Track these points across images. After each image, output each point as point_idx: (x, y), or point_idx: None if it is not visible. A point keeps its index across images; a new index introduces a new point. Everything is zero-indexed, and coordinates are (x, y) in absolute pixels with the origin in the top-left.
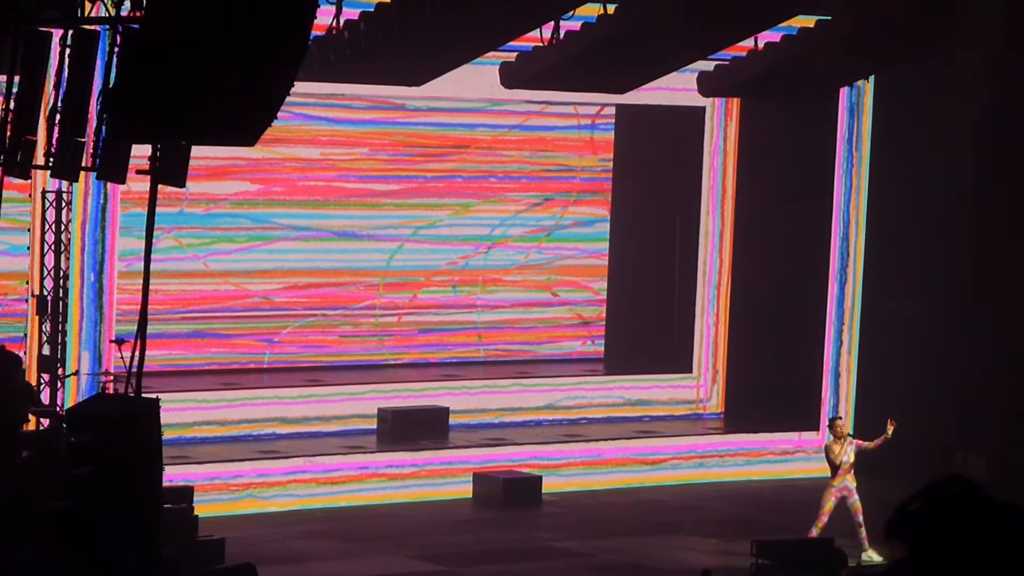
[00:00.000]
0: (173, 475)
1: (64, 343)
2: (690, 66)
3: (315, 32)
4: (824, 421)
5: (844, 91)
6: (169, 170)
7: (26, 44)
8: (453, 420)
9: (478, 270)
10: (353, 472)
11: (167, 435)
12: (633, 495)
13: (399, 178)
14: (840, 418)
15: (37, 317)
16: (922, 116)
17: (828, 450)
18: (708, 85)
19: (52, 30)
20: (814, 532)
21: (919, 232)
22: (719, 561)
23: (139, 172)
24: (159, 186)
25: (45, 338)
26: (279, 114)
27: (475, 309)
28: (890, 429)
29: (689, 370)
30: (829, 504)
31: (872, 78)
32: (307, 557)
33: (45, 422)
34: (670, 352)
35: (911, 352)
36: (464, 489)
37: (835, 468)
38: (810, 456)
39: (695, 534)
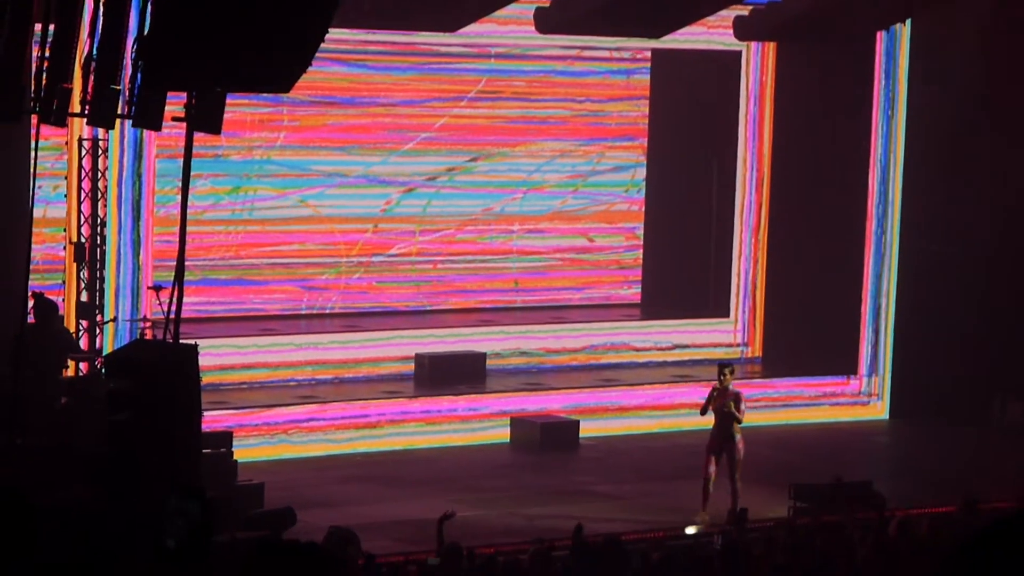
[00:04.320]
0: (212, 420)
1: (102, 290)
2: (726, 10)
3: None
4: (863, 365)
5: (881, 35)
6: (205, 117)
7: None
8: (490, 365)
9: (514, 216)
10: (391, 417)
11: (205, 381)
12: (670, 439)
13: (434, 124)
14: (731, 368)
15: (75, 264)
16: (959, 58)
17: (714, 393)
18: (744, 29)
19: None
20: (710, 491)
21: (958, 174)
22: (756, 503)
23: (175, 119)
24: (195, 133)
25: (83, 285)
26: (314, 61)
27: (511, 255)
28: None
29: (726, 315)
30: (741, 455)
31: (908, 21)
32: (345, 501)
33: (84, 368)
34: (707, 297)
35: (950, 295)
36: (502, 434)
37: (721, 416)
38: (849, 400)
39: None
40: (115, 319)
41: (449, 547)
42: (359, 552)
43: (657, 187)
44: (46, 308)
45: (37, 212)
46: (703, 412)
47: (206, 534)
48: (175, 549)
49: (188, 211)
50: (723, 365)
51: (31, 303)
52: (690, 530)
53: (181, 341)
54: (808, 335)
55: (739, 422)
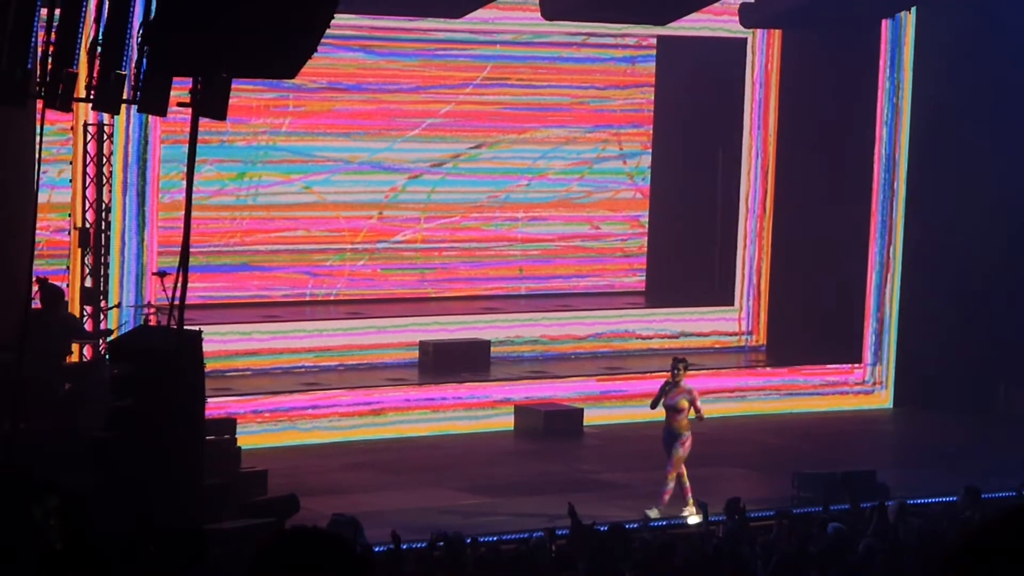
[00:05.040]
0: (216, 407)
1: (106, 275)
2: None
3: None
4: (867, 354)
5: (886, 22)
6: (210, 103)
7: None
8: (495, 353)
9: (519, 203)
10: (395, 404)
11: (209, 367)
12: None
13: (440, 111)
14: (685, 362)
15: (79, 250)
16: (964, 46)
17: (666, 387)
18: (750, 16)
19: None
20: (687, 485)
21: (962, 163)
22: (761, 492)
23: (180, 105)
24: (200, 119)
25: (87, 270)
26: (319, 47)
27: (516, 242)
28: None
29: (731, 303)
30: (684, 453)
31: (914, 9)
32: (349, 488)
33: (88, 352)
34: (712, 285)
35: (954, 284)
36: (506, 421)
37: (671, 411)
38: (853, 388)
39: (736, 466)
40: (119, 305)
41: (452, 536)
42: (361, 540)
43: (662, 175)
44: (52, 294)
45: (42, 197)
46: (653, 406)
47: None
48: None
49: (193, 197)
50: (677, 360)
51: (35, 288)
52: (692, 520)
53: (185, 327)
54: (812, 323)
55: (700, 420)
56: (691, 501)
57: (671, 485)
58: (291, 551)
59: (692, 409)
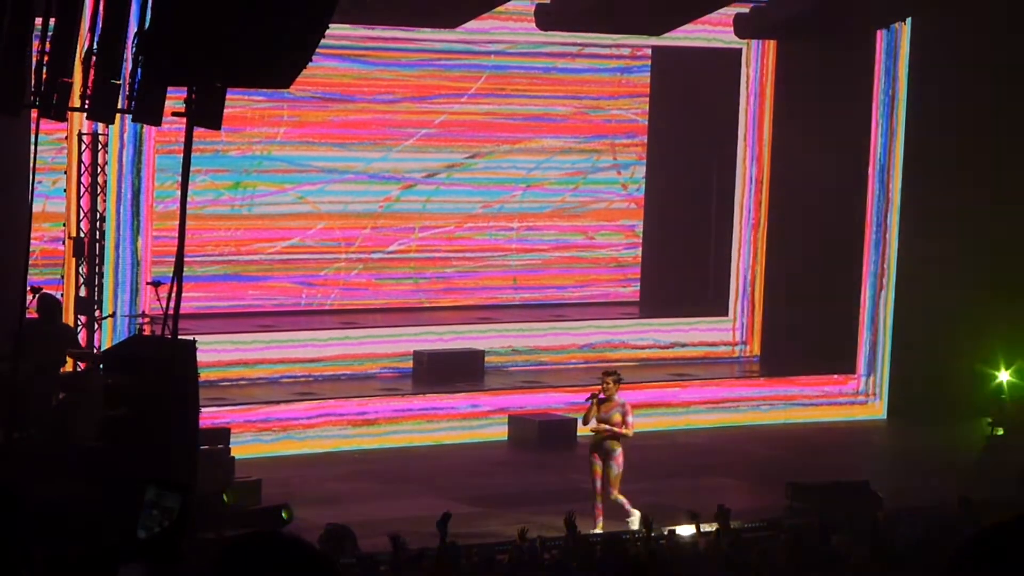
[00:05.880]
0: (210, 417)
1: (101, 285)
2: (727, 7)
3: None
4: (861, 365)
5: (881, 33)
6: (205, 112)
7: None
8: (488, 363)
9: (513, 213)
10: (389, 414)
11: (203, 377)
12: (667, 438)
13: (434, 121)
14: (616, 375)
15: (74, 259)
16: (959, 58)
17: (594, 400)
18: (745, 26)
19: None
20: (600, 505)
21: (957, 175)
22: (754, 503)
23: (175, 114)
24: (195, 128)
25: (82, 280)
26: (314, 57)
27: (510, 252)
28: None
29: (725, 313)
30: (619, 469)
31: (909, 20)
32: (343, 498)
33: (82, 364)
34: (706, 296)
35: (948, 294)
36: (499, 431)
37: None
38: (847, 399)
39: (729, 477)
40: (114, 314)
41: (447, 546)
42: (355, 550)
43: (657, 185)
44: (51, 305)
45: (36, 207)
46: (585, 422)
47: (179, 531)
48: (144, 540)
49: (187, 206)
50: (607, 373)
51: (29, 298)
52: (683, 529)
53: (179, 337)
54: (806, 334)
55: (626, 437)
56: (598, 525)
57: (623, 500)
58: (249, 557)
59: (623, 424)
